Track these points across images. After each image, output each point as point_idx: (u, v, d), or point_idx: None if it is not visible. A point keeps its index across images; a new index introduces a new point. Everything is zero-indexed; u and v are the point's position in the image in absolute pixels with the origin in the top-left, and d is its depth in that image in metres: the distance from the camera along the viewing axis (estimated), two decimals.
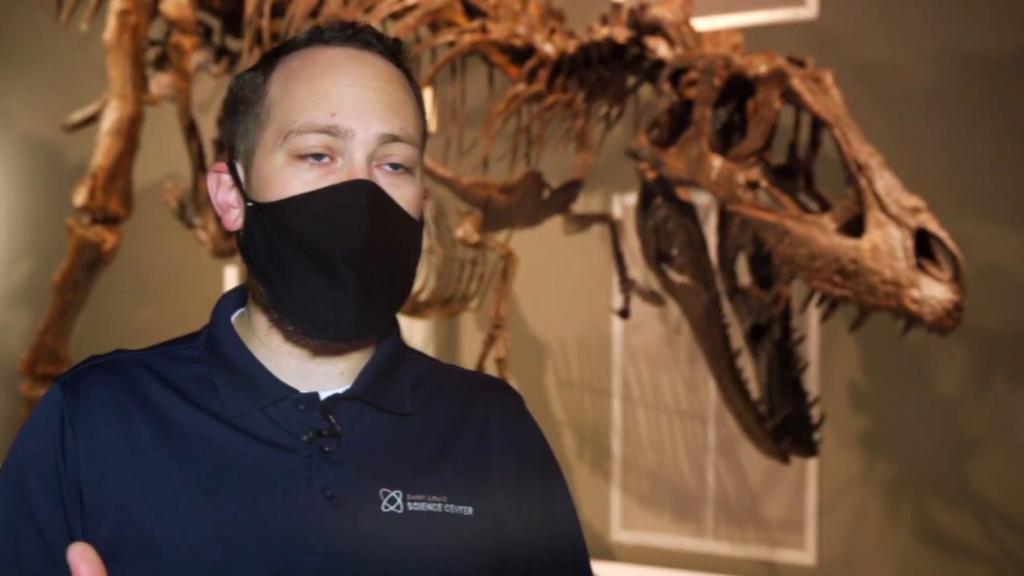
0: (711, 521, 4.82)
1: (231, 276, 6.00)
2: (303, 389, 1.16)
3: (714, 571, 4.77)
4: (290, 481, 1.12)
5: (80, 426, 1.13)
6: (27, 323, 6.23)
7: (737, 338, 3.51)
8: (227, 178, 1.19)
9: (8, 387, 6.06)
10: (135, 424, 1.13)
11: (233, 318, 1.23)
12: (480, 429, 1.24)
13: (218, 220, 4.44)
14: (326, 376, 1.18)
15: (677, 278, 3.52)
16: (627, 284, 4.21)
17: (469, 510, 1.18)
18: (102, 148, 4.37)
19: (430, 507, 1.16)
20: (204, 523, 1.09)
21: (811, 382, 4.43)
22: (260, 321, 1.18)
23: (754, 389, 3.48)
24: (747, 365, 3.51)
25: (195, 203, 4.52)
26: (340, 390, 1.18)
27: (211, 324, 1.22)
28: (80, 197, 4.39)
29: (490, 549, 1.20)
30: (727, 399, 3.49)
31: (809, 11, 4.76)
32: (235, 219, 1.18)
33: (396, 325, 1.25)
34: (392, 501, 1.14)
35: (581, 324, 5.25)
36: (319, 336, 1.14)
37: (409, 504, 1.15)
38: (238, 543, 1.09)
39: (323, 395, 1.17)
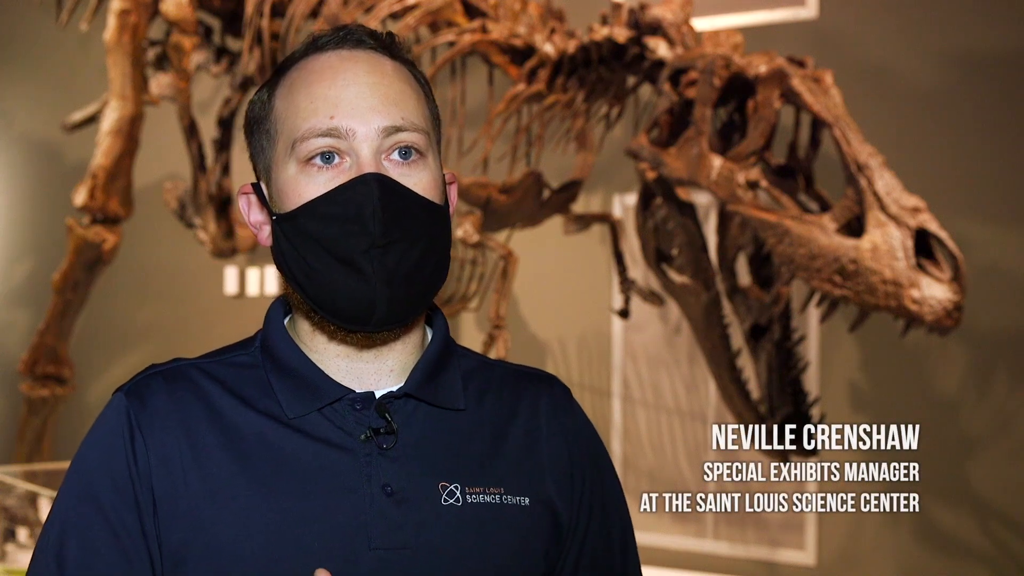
0: (711, 521, 4.82)
1: (231, 276, 6.00)
2: (357, 389, 1.19)
3: (714, 571, 4.77)
4: (351, 479, 1.15)
5: (148, 433, 1.15)
6: (27, 323, 6.23)
7: (737, 338, 3.51)
8: (254, 198, 1.23)
9: (8, 387, 6.06)
10: (199, 429, 1.16)
11: (284, 322, 1.26)
12: (530, 420, 1.26)
13: (217, 223, 4.44)
14: (377, 375, 1.20)
15: (677, 278, 3.52)
16: (627, 284, 4.21)
17: (526, 500, 1.21)
18: (102, 148, 4.38)
19: (488, 499, 1.18)
20: (269, 523, 1.12)
21: (811, 382, 4.43)
22: (304, 326, 1.21)
23: (754, 389, 3.48)
24: (747, 365, 3.51)
25: (195, 203, 4.52)
26: (393, 388, 1.20)
27: (265, 330, 1.25)
28: (80, 197, 4.40)
29: (547, 538, 1.22)
30: (727, 399, 3.49)
31: (809, 11, 4.76)
32: (267, 236, 1.22)
33: (443, 322, 1.27)
34: (451, 495, 1.17)
35: (581, 324, 5.25)
36: (358, 330, 1.16)
37: (468, 497, 1.17)
38: (303, 542, 1.12)
39: (378, 394, 1.19)
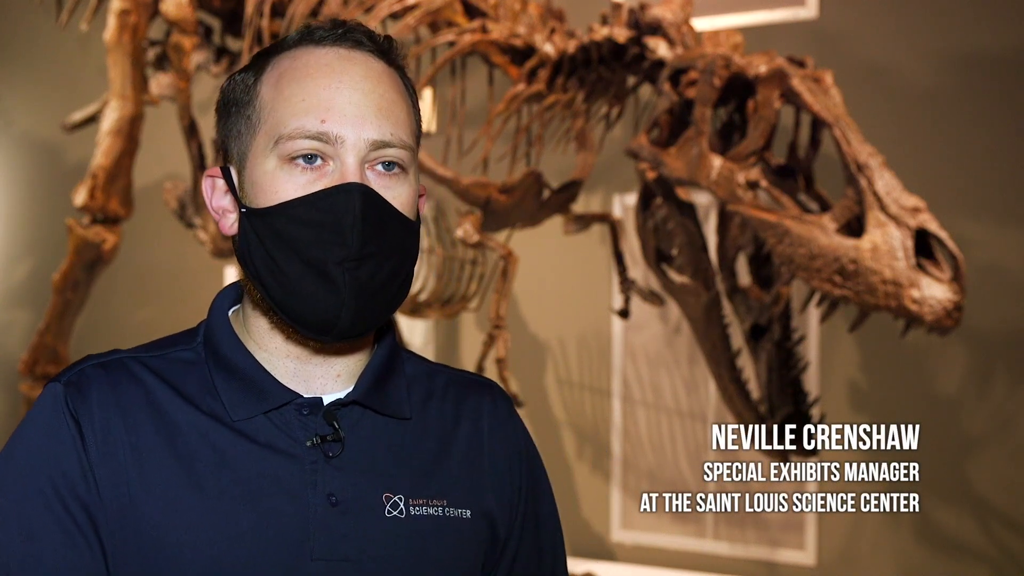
0: (711, 521, 4.82)
1: (231, 276, 6.00)
2: (304, 393, 1.17)
3: (714, 571, 4.77)
4: (295, 486, 1.13)
5: (88, 425, 1.11)
6: (27, 323, 6.23)
7: (737, 338, 3.51)
8: (221, 183, 1.19)
9: (8, 387, 6.06)
10: (139, 425, 1.13)
11: (229, 315, 1.22)
12: (473, 430, 1.25)
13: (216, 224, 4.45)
14: (323, 379, 1.18)
15: (677, 278, 3.52)
16: (627, 284, 4.21)
17: (468, 513, 1.20)
18: (102, 148, 4.37)
19: (431, 511, 1.17)
20: (211, 529, 1.10)
21: (811, 382, 4.43)
22: (259, 323, 1.18)
23: (754, 389, 3.48)
24: (747, 365, 3.51)
25: (195, 203, 4.52)
26: (341, 394, 1.18)
27: (209, 324, 1.21)
28: (80, 197, 4.39)
29: (485, 550, 1.22)
30: (727, 399, 3.49)
31: (809, 11, 4.76)
32: (231, 224, 1.18)
33: (392, 326, 1.25)
34: (395, 506, 1.16)
35: (581, 324, 5.25)
36: (320, 338, 1.14)
37: (411, 508, 1.16)
38: (246, 549, 1.10)
39: (325, 399, 1.17)
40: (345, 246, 1.10)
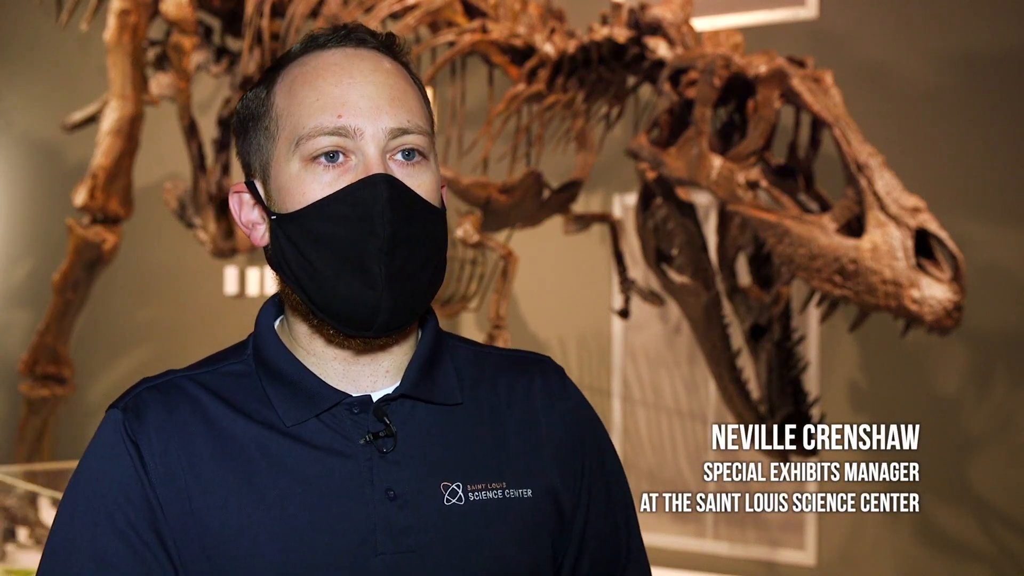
0: (711, 521, 4.82)
1: (231, 276, 6.00)
2: (353, 392, 1.18)
3: (714, 571, 4.77)
4: (353, 486, 1.14)
5: (147, 448, 1.14)
6: (27, 323, 6.23)
7: (737, 338, 3.51)
8: (248, 197, 1.21)
9: (8, 387, 6.06)
10: (198, 443, 1.15)
11: (275, 326, 1.24)
12: (527, 408, 1.25)
13: (217, 223, 4.44)
14: (372, 376, 1.19)
15: (677, 278, 3.52)
16: (627, 284, 4.21)
17: (528, 492, 1.20)
18: (102, 148, 4.38)
19: (490, 495, 1.18)
20: (275, 535, 1.12)
21: (811, 382, 4.43)
22: (301, 329, 1.20)
23: (754, 389, 3.48)
24: (747, 365, 3.51)
25: (195, 203, 4.52)
26: (389, 389, 1.19)
27: (256, 336, 1.23)
28: (80, 197, 4.40)
29: (552, 526, 1.22)
30: (727, 399, 3.49)
31: (809, 11, 4.76)
32: (262, 235, 1.20)
33: (433, 315, 1.26)
34: (453, 494, 1.17)
35: (581, 324, 5.25)
36: (361, 335, 1.15)
37: (470, 495, 1.17)
38: (310, 552, 1.12)
39: (374, 396, 1.18)
40: (376, 236, 1.11)
